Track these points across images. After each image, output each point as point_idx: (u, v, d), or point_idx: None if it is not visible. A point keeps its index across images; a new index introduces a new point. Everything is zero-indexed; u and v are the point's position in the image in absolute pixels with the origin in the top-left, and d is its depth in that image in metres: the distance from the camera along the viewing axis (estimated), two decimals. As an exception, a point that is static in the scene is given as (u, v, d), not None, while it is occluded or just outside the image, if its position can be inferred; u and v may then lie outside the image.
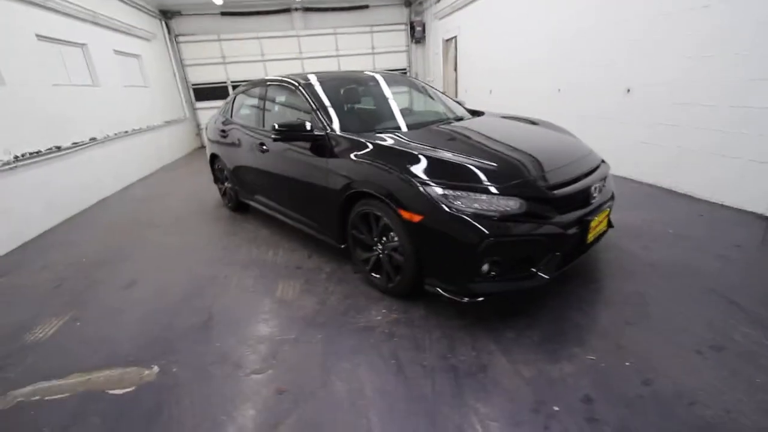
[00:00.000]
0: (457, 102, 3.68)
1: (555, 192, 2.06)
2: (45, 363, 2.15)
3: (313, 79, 3.15)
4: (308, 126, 2.71)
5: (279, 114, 3.46)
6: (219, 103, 10.47)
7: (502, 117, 3.25)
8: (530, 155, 2.27)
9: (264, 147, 3.31)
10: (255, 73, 10.33)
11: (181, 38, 9.75)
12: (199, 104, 10.43)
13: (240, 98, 4.09)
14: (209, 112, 10.41)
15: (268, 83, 3.55)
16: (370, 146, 2.40)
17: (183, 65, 9.94)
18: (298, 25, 10.35)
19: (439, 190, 1.99)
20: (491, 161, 2.12)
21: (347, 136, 2.60)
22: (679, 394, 1.63)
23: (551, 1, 5.45)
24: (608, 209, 2.41)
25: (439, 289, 2.11)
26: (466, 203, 1.96)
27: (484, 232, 1.90)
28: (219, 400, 1.78)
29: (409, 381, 1.81)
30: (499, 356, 1.92)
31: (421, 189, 2.03)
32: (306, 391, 1.79)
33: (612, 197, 2.49)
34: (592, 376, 1.76)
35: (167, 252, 3.59)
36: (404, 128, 2.84)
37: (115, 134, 6.21)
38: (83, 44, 5.71)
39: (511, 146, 2.38)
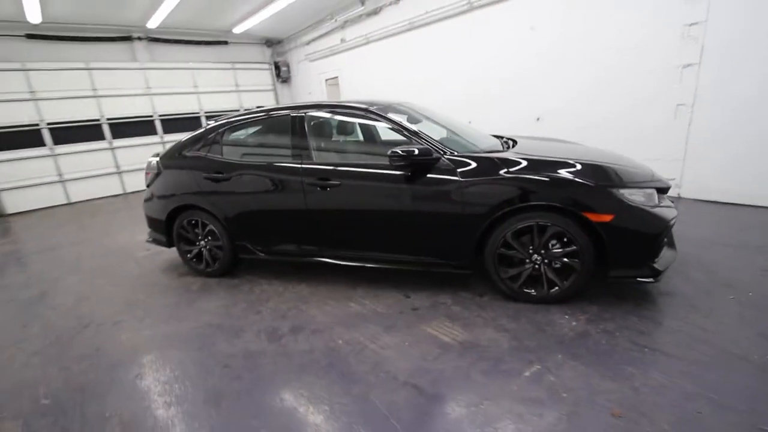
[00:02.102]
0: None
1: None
2: None
3: (384, 104, 2.94)
4: (431, 152, 2.54)
5: (338, 144, 3.03)
6: (26, 152, 7.55)
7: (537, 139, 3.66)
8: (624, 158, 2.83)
9: (330, 182, 2.81)
10: (85, 111, 8.04)
11: (-48, 64, 6.70)
12: (-9, 156, 7.27)
13: (240, 135, 3.30)
14: (8, 166, 7.35)
15: (303, 112, 3.03)
16: (523, 162, 2.47)
17: (-44, 102, 6.80)
18: (143, 57, 8.70)
19: (624, 190, 2.29)
20: (628, 164, 2.55)
21: (482, 155, 2.58)
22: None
23: (454, 48, 6.54)
24: None
25: (627, 277, 2.37)
26: (642, 198, 2.32)
27: (665, 219, 2.30)
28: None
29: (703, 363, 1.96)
30: (702, 319, 2.31)
31: (610, 191, 2.27)
32: (638, 408, 1.71)
33: None
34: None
35: (192, 346, 2.52)
36: (497, 148, 2.91)
37: None
38: None
39: (605, 154, 2.88)
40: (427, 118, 3.21)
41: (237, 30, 9.03)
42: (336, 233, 2.99)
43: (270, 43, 10.61)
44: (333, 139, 3.13)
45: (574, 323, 2.35)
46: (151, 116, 8.92)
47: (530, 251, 2.50)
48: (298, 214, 3.00)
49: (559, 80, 5.34)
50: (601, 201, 2.28)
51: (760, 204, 4.02)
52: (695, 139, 4.35)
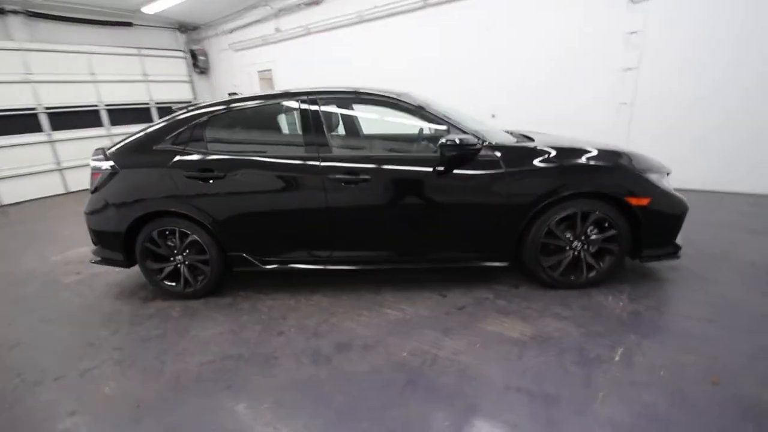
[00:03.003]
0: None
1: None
2: None
3: (408, 90, 2.73)
4: (474, 140, 2.40)
5: (361, 136, 2.70)
6: None
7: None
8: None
9: (358, 177, 2.50)
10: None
11: None
12: None
13: (231, 125, 2.75)
14: None
15: (316, 100, 2.64)
16: (554, 151, 2.48)
17: None
18: (20, 36, 6.95)
19: (654, 175, 2.45)
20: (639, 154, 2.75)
21: (521, 145, 2.54)
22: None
23: (408, 44, 6.50)
24: None
25: (656, 256, 2.56)
26: (666, 183, 2.52)
27: (684, 200, 2.53)
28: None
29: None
30: (716, 287, 2.58)
31: (646, 177, 2.42)
32: (725, 374, 1.82)
33: None
34: None
35: (218, 386, 2.03)
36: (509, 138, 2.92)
37: None
38: None
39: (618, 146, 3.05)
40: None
41: (147, 10, 7.74)
42: (364, 234, 2.68)
43: (184, 28, 9.35)
44: (353, 129, 2.80)
45: (621, 303, 2.45)
46: (33, 108, 7.16)
47: (570, 238, 2.54)
48: (316, 215, 2.62)
49: (514, 79, 5.67)
50: (641, 186, 2.42)
51: (692, 188, 4.76)
52: (635, 133, 4.98)
